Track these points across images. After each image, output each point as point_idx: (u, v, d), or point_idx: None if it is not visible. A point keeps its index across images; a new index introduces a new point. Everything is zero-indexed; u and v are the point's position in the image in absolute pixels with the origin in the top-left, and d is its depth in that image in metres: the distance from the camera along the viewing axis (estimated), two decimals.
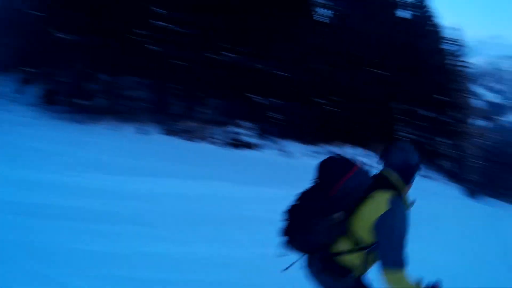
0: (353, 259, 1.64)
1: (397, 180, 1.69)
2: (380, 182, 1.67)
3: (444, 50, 18.28)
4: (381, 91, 14.35)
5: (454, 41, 19.08)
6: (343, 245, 1.64)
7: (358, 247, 1.61)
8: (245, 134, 12.70)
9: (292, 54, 12.83)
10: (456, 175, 16.43)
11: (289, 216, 1.73)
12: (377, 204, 1.58)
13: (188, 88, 11.83)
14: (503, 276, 4.47)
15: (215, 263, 3.30)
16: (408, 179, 1.74)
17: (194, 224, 4.22)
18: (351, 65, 13.80)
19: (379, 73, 14.45)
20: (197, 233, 3.92)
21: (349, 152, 13.33)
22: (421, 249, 3.47)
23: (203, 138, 11.48)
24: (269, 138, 12.83)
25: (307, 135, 13.07)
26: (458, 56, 19.24)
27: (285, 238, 1.73)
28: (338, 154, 1.79)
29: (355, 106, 13.76)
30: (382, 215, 1.54)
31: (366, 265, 1.67)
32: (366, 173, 1.66)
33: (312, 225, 1.60)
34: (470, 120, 20.35)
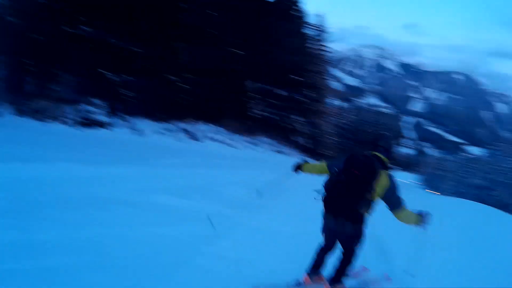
0: (367, 210, 2.58)
1: (385, 159, 2.74)
2: (379, 162, 2.69)
3: (305, 34, 19.11)
4: (236, 70, 14.46)
5: (316, 27, 20.26)
6: (364, 203, 2.56)
7: (371, 203, 2.56)
8: (97, 112, 11.90)
9: (148, 30, 12.38)
10: (309, 150, 17.65)
11: (339, 194, 2.62)
12: (385, 179, 2.55)
13: (43, 64, 10.93)
14: None
15: (63, 247, 2.97)
16: (389, 158, 2.79)
17: (49, 207, 3.84)
18: (205, 43, 13.60)
19: (235, 52, 14.48)
20: (51, 217, 3.52)
21: (202, 129, 13.36)
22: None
23: (55, 118, 10.96)
24: (120, 116, 11.96)
25: (159, 113, 12.59)
26: (318, 40, 20.54)
27: (332, 208, 2.66)
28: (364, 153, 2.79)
29: (209, 84, 13.66)
30: (389, 183, 2.56)
31: (371, 214, 2.64)
32: (377, 159, 2.72)
33: (360, 201, 2.55)
34: (326, 100, 21.95)
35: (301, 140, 17.68)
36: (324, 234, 2.79)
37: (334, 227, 2.65)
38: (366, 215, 2.61)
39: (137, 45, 12.25)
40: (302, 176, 3.26)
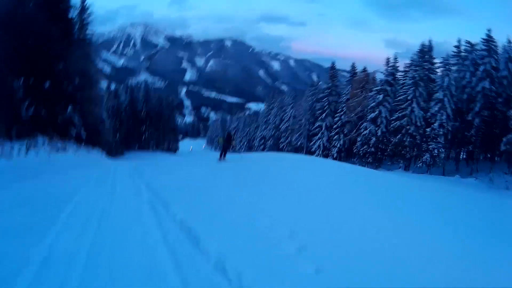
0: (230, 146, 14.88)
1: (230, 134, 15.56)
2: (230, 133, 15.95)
3: (71, 29, 17.62)
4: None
5: (81, 10, 18.78)
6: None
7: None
8: None
9: None
10: (86, 140, 17.01)
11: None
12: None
13: None
14: None
15: None
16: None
17: None
18: None
19: None
20: None
21: None
22: None
23: None
24: None
25: None
26: (82, 23, 19.31)
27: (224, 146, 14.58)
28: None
29: None
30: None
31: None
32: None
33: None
34: (96, 86, 21.60)
35: (75, 131, 16.43)
36: (221, 149, 14.38)
37: (225, 148, 14.27)
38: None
39: None
40: None
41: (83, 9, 19.33)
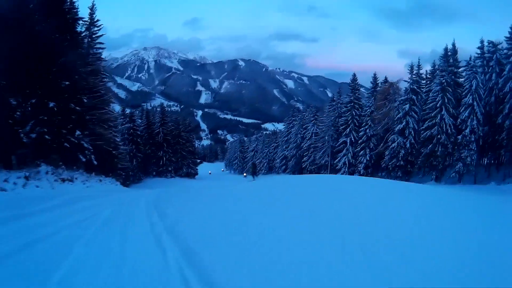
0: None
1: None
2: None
3: (77, 31, 16.37)
4: None
5: (90, 24, 17.71)
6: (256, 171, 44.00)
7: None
8: None
9: None
10: (98, 166, 15.15)
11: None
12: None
13: None
14: None
15: None
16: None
17: None
18: None
19: None
20: None
21: None
22: None
23: None
24: None
25: None
26: (93, 38, 18.06)
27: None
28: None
29: None
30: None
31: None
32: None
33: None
34: (109, 106, 19.75)
35: (85, 157, 14.58)
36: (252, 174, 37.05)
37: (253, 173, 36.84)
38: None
39: None
40: None
41: (92, 22, 17.72)
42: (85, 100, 14.83)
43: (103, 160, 15.82)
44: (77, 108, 14.35)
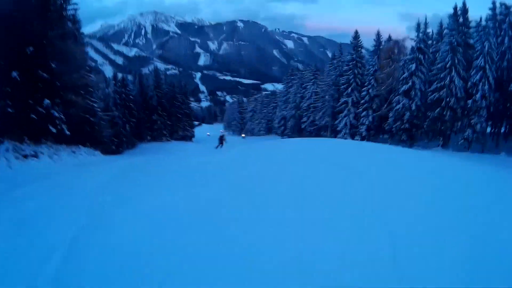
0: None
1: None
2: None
3: (46, 4, 14.19)
4: None
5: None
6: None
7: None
8: None
9: None
10: (65, 138, 13.58)
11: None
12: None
13: None
14: None
15: None
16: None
17: None
18: None
19: None
20: None
21: None
22: None
23: None
24: None
25: None
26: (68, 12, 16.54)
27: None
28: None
29: None
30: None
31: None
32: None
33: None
34: (82, 70, 18.24)
35: (55, 127, 13.01)
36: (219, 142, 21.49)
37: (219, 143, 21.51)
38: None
39: None
40: None
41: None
42: (53, 66, 13.54)
43: (78, 130, 14.77)
44: (45, 75, 13.13)
